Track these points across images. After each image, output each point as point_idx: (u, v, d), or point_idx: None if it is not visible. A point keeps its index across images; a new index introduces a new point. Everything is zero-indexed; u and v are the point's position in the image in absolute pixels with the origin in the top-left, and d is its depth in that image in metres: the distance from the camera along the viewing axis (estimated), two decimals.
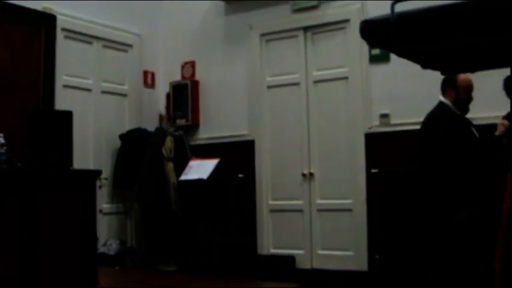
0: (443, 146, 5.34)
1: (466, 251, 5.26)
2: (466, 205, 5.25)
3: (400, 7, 1.32)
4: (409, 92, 7.28)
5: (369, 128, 7.63)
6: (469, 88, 5.62)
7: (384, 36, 1.40)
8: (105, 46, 8.61)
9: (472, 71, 1.76)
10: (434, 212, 5.54)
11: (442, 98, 5.68)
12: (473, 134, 5.59)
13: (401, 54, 1.51)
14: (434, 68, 1.65)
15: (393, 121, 7.48)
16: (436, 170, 5.33)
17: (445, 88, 5.66)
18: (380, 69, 7.59)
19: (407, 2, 1.37)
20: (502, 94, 5.66)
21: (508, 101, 5.71)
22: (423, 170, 5.58)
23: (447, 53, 1.52)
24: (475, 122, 5.82)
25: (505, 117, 5.67)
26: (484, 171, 5.44)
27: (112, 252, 8.00)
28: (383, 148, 7.50)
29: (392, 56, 7.26)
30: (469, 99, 5.64)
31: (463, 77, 5.57)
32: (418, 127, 6.09)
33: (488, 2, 1.22)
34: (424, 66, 1.63)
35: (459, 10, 1.27)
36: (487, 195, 5.43)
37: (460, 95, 5.59)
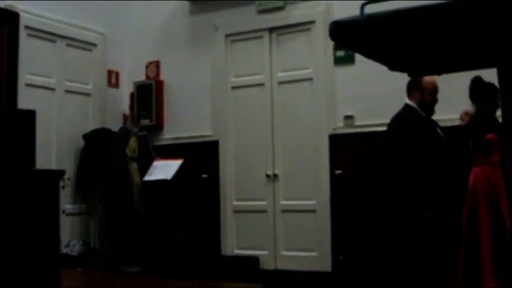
0: (409, 148, 5.35)
1: (431, 252, 5.30)
2: (430, 206, 5.29)
3: (369, 9, 1.33)
4: (373, 93, 7.33)
5: (333, 130, 7.66)
6: (434, 90, 5.62)
7: (353, 38, 1.40)
8: (69, 45, 8.54)
9: (439, 73, 1.78)
10: (399, 213, 5.58)
11: (407, 100, 5.68)
12: (438, 135, 5.61)
13: (370, 55, 1.52)
14: (401, 70, 1.66)
15: (357, 122, 7.53)
16: (400, 171, 5.36)
17: (410, 90, 5.66)
18: (344, 70, 7.63)
19: (377, 4, 1.37)
20: (466, 95, 5.75)
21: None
22: (388, 172, 5.60)
23: (415, 55, 1.53)
24: (440, 124, 5.85)
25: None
26: (448, 172, 5.49)
27: (75, 253, 7.94)
28: (347, 149, 7.54)
29: (357, 58, 7.33)
30: (434, 100, 5.65)
31: (428, 79, 5.57)
32: (382, 129, 6.13)
33: (458, 4, 1.24)
34: (392, 68, 1.64)
35: (429, 12, 1.28)
36: (452, 196, 5.49)
37: (425, 97, 5.59)
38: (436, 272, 5.32)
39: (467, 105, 5.85)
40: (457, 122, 5.90)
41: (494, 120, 5.71)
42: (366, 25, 1.32)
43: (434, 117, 5.78)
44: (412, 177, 5.27)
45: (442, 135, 5.63)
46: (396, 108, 5.83)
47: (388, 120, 5.81)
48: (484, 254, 5.41)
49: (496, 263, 5.37)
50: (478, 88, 5.62)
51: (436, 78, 5.61)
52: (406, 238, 5.49)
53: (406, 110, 5.65)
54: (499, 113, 5.45)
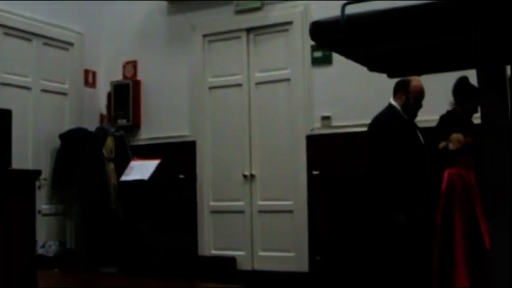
0: (391, 149, 5.40)
1: (411, 253, 5.35)
2: (409, 207, 5.33)
3: (350, 9, 1.34)
4: (350, 94, 7.36)
5: (311, 130, 7.67)
6: (419, 95, 5.65)
7: (334, 38, 1.41)
8: (45, 44, 8.48)
9: (419, 73, 1.78)
10: (377, 215, 5.61)
11: (392, 101, 5.71)
12: (418, 139, 5.65)
13: (350, 56, 1.52)
14: (381, 71, 1.67)
15: (334, 123, 7.54)
16: (383, 172, 5.39)
17: (397, 91, 5.69)
18: (322, 71, 7.65)
19: (359, 4, 1.38)
20: (445, 97, 5.79)
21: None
22: (369, 172, 5.63)
23: (395, 55, 1.54)
24: (418, 125, 5.87)
25: (448, 125, 5.76)
26: (427, 175, 5.53)
27: (51, 254, 7.89)
28: (324, 150, 7.56)
29: (335, 59, 7.36)
30: (418, 105, 5.68)
31: (415, 83, 5.61)
32: (359, 129, 6.18)
33: (438, 5, 1.24)
34: (371, 68, 1.65)
35: (409, 12, 1.28)
36: (429, 198, 5.53)
37: (409, 100, 5.62)
38: (418, 272, 5.37)
39: (448, 105, 5.86)
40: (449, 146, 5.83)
41: (469, 122, 5.75)
42: (347, 25, 1.33)
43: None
44: (395, 178, 5.30)
45: (421, 138, 5.66)
46: (373, 109, 5.85)
47: (365, 121, 5.85)
48: (458, 255, 5.45)
49: (470, 263, 5.41)
50: (462, 89, 5.65)
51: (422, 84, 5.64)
52: (387, 240, 5.52)
53: (389, 110, 5.67)
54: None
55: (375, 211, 5.71)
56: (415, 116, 5.73)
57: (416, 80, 5.60)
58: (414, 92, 5.61)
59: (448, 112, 5.81)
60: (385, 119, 5.63)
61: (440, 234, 5.61)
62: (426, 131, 5.81)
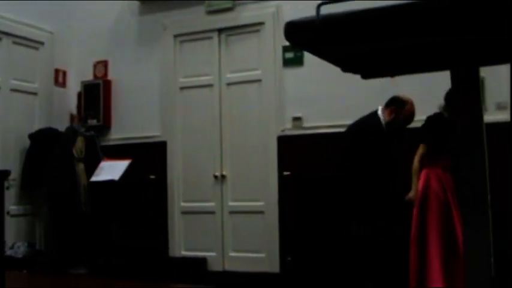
0: (375, 154, 5.58)
1: (393, 256, 5.47)
2: (388, 211, 5.42)
3: (324, 9, 1.34)
4: (321, 95, 7.39)
5: (282, 131, 7.68)
6: (408, 119, 5.80)
7: (309, 38, 1.40)
8: (15, 43, 8.40)
9: (392, 75, 1.80)
10: (357, 218, 5.68)
11: (379, 110, 5.84)
12: (392, 152, 5.81)
13: (324, 56, 1.52)
14: (355, 72, 1.67)
15: (305, 124, 7.56)
16: (366, 176, 5.55)
17: (390, 105, 5.82)
18: (293, 72, 7.66)
19: (334, 4, 1.38)
20: (421, 100, 5.85)
21: (429, 106, 5.87)
22: (351, 174, 5.72)
23: (369, 56, 1.54)
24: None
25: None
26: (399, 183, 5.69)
27: (20, 255, 7.82)
28: (295, 151, 7.57)
29: (306, 60, 7.39)
30: (402, 127, 5.84)
31: (409, 107, 5.76)
32: (330, 130, 6.27)
33: (414, 6, 1.25)
34: (345, 69, 1.65)
35: (384, 14, 1.29)
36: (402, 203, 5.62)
37: (396, 119, 5.77)
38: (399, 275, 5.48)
39: (436, 108, 5.91)
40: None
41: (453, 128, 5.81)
42: (322, 25, 1.33)
43: None
44: (378, 183, 5.40)
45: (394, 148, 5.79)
46: (343, 110, 5.93)
47: (335, 122, 5.93)
48: (433, 255, 5.50)
49: (445, 264, 5.45)
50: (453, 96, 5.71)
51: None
52: (372, 243, 5.60)
53: (372, 119, 5.80)
54: None
55: (354, 214, 5.77)
56: (394, 134, 5.86)
57: (410, 104, 5.77)
58: (405, 116, 5.76)
59: (435, 114, 5.86)
60: (367, 126, 5.76)
61: (417, 232, 5.67)
62: (412, 130, 5.93)
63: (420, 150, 5.78)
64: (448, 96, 5.67)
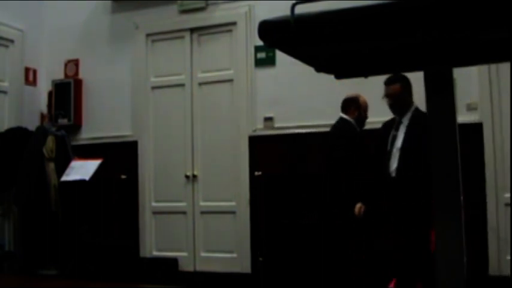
0: (353, 155, 6.03)
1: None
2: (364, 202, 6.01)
3: (299, 9, 1.34)
4: (293, 96, 7.42)
5: (253, 131, 7.69)
6: (367, 108, 6.34)
7: (283, 38, 1.40)
8: None
9: (366, 75, 1.81)
10: (337, 209, 6.12)
11: (343, 115, 6.32)
12: (366, 146, 6.24)
13: (298, 56, 1.52)
14: (328, 72, 1.67)
15: (277, 124, 7.57)
16: (351, 171, 6.00)
17: (348, 107, 6.33)
18: (265, 72, 7.67)
19: (308, 4, 1.38)
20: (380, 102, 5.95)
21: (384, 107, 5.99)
22: (337, 171, 6.14)
23: (343, 56, 1.55)
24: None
25: None
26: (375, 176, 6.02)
27: None
28: (267, 151, 7.58)
29: (278, 60, 7.42)
30: (367, 117, 6.37)
31: (362, 99, 6.30)
32: (301, 131, 6.41)
33: (388, 6, 1.25)
34: (319, 69, 1.65)
35: (360, 14, 1.29)
36: (379, 195, 5.97)
37: (361, 114, 6.31)
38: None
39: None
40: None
41: None
42: (297, 25, 1.32)
43: None
44: (360, 177, 5.99)
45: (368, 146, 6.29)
46: (315, 110, 6.03)
47: (307, 123, 6.06)
48: None
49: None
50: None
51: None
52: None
53: (344, 124, 6.31)
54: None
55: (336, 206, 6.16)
56: (364, 126, 6.36)
57: (361, 96, 6.31)
58: (364, 106, 6.33)
59: (392, 119, 5.97)
60: (344, 129, 6.27)
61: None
62: (371, 132, 6.26)
63: None
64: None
